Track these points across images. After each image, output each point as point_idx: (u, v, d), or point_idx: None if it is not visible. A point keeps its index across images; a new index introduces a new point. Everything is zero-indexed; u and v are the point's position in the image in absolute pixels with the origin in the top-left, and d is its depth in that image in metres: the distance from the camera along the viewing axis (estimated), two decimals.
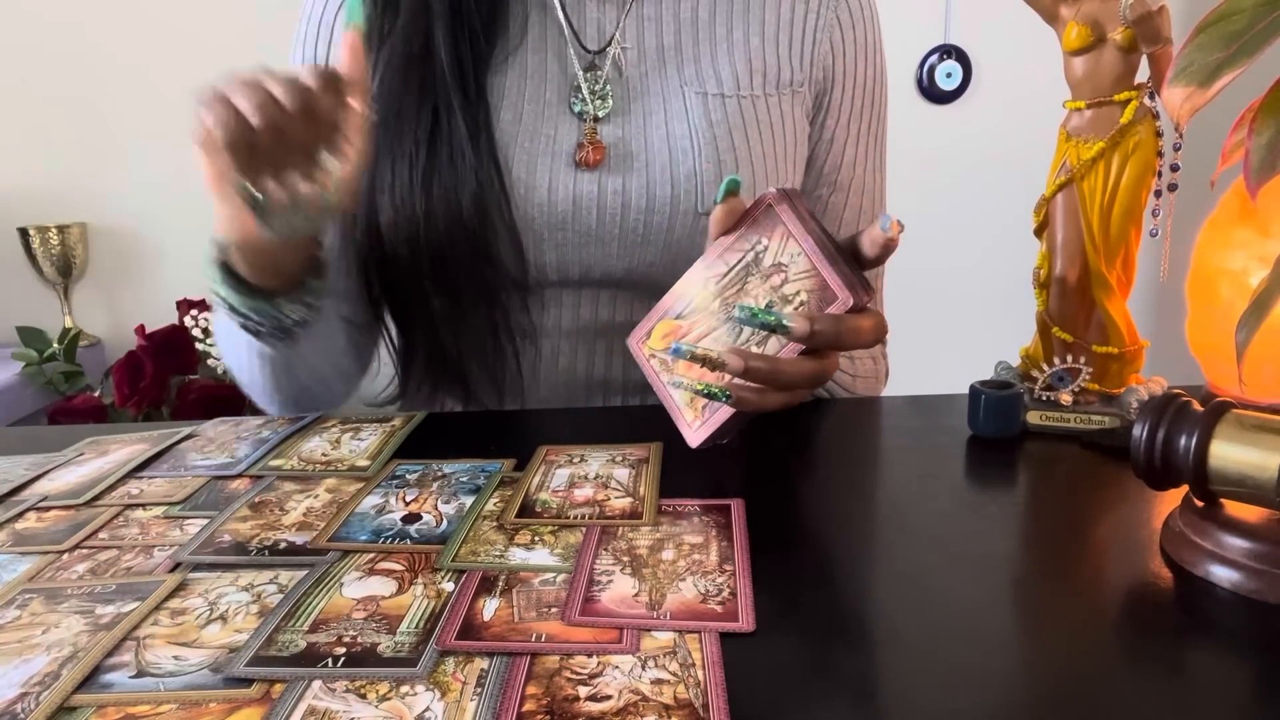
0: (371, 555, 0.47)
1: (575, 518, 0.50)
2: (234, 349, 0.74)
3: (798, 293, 0.52)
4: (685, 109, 0.73)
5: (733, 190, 0.56)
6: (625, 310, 0.76)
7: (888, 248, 0.52)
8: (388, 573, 0.45)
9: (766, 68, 0.75)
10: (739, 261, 0.55)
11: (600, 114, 0.72)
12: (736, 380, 0.51)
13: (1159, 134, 0.59)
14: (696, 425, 0.55)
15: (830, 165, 0.81)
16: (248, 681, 0.36)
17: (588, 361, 0.78)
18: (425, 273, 0.70)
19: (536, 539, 0.48)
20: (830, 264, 0.51)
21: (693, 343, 0.54)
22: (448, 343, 0.73)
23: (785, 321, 0.50)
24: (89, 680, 0.37)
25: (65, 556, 0.48)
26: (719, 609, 0.41)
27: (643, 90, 0.74)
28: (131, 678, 0.37)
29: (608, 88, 0.73)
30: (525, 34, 0.73)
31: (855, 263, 0.54)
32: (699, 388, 0.51)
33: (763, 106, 0.75)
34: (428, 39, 0.70)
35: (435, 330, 0.74)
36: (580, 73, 0.73)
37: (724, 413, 0.53)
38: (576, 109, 0.73)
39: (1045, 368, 0.63)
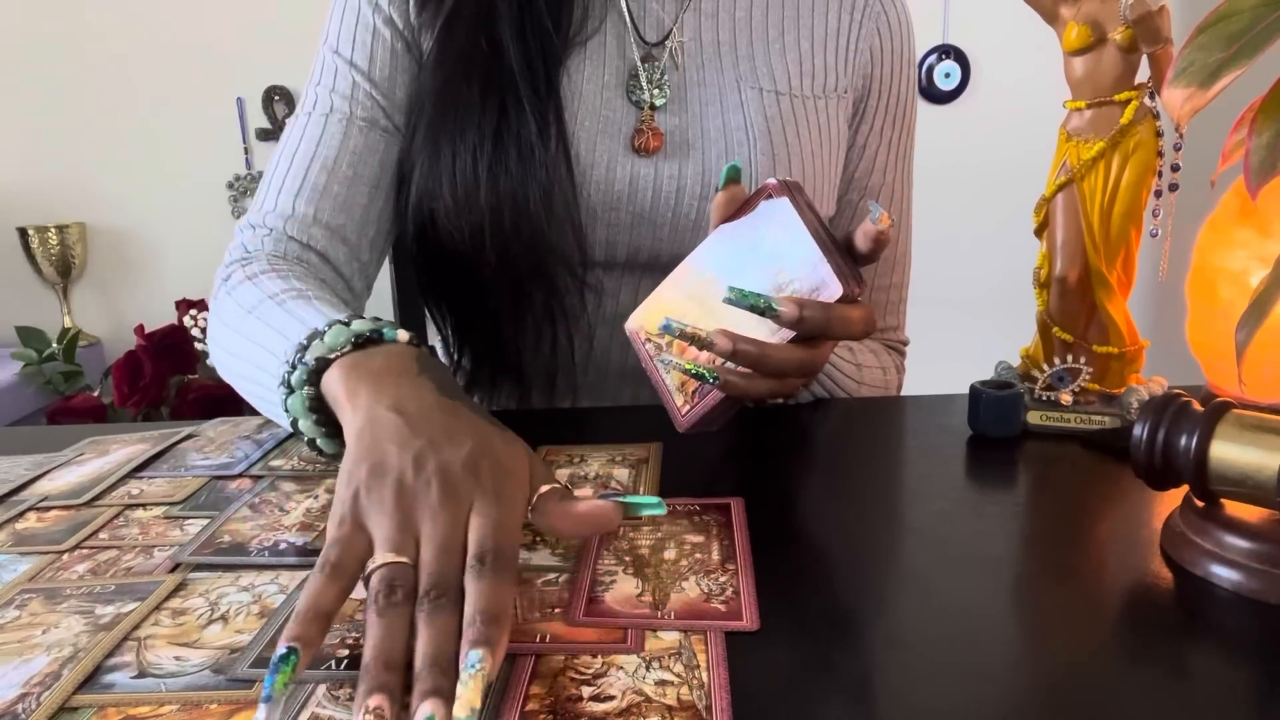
0: None
1: None
2: (240, 382, 0.64)
3: (792, 281, 0.52)
4: (741, 102, 0.75)
5: (734, 178, 0.56)
6: None
7: (879, 241, 0.52)
8: None
9: (815, 71, 0.78)
10: (738, 248, 0.55)
11: (657, 103, 0.74)
12: (726, 364, 0.51)
13: (1159, 134, 0.59)
14: (686, 409, 0.55)
15: (862, 171, 0.83)
16: (249, 682, 0.36)
17: (623, 352, 0.78)
18: (488, 262, 0.70)
19: (538, 540, 0.48)
20: (825, 254, 0.51)
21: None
22: (505, 331, 0.74)
23: (774, 304, 0.50)
24: (90, 680, 0.37)
25: (65, 556, 0.48)
26: (723, 608, 0.41)
27: (699, 82, 0.75)
28: (133, 678, 0.37)
29: (665, 78, 0.75)
30: (587, 22, 0.74)
31: (851, 257, 0.54)
32: (687, 367, 0.52)
33: (812, 107, 0.77)
34: (494, 37, 0.70)
35: (493, 319, 0.74)
36: (639, 63, 0.74)
37: (713, 397, 0.53)
38: (634, 97, 0.74)
39: (1045, 368, 0.63)
